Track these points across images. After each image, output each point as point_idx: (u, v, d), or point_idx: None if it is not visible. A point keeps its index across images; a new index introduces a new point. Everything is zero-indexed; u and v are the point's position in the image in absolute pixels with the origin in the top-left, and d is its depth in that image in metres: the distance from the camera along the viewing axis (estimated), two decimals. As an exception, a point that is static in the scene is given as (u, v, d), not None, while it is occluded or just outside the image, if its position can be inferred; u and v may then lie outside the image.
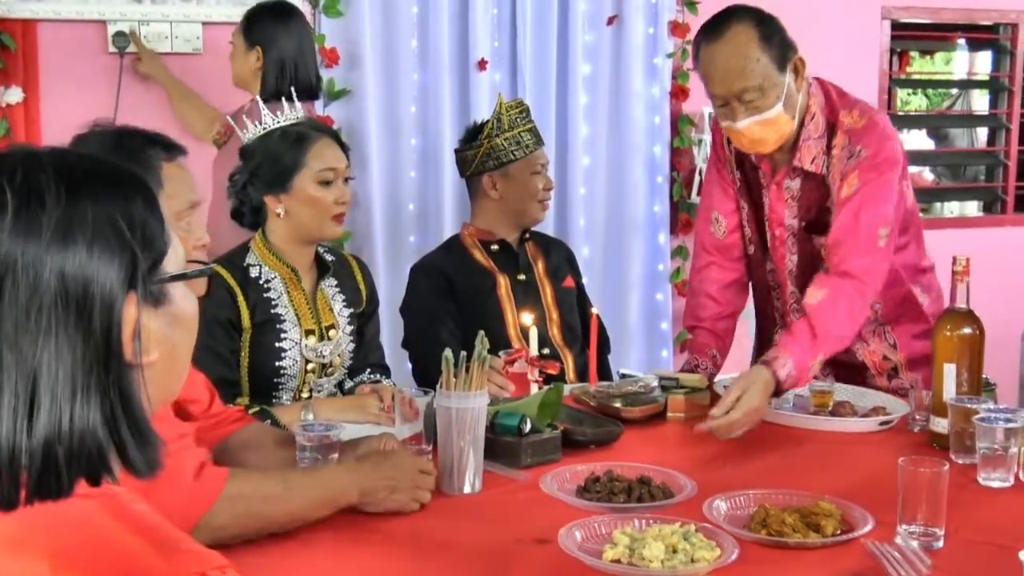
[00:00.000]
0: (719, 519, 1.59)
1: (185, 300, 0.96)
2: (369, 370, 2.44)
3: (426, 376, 2.61)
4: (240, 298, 2.22)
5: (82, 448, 0.85)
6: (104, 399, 0.85)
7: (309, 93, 3.22)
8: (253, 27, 3.17)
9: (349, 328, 2.36)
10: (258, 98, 2.63)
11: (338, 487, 1.61)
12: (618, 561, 1.45)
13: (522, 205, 2.71)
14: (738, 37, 2.16)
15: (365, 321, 2.44)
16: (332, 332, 2.31)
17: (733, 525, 1.57)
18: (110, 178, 0.91)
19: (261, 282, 2.26)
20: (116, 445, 0.86)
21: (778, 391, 2.06)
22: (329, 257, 2.39)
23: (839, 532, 1.56)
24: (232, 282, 2.22)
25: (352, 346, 2.37)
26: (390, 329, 3.56)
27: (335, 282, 2.37)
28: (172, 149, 1.69)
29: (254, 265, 2.27)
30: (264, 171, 2.27)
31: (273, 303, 2.25)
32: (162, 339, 0.92)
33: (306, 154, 2.26)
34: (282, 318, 2.25)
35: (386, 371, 2.49)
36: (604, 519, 1.56)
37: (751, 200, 2.40)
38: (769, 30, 2.18)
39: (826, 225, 2.25)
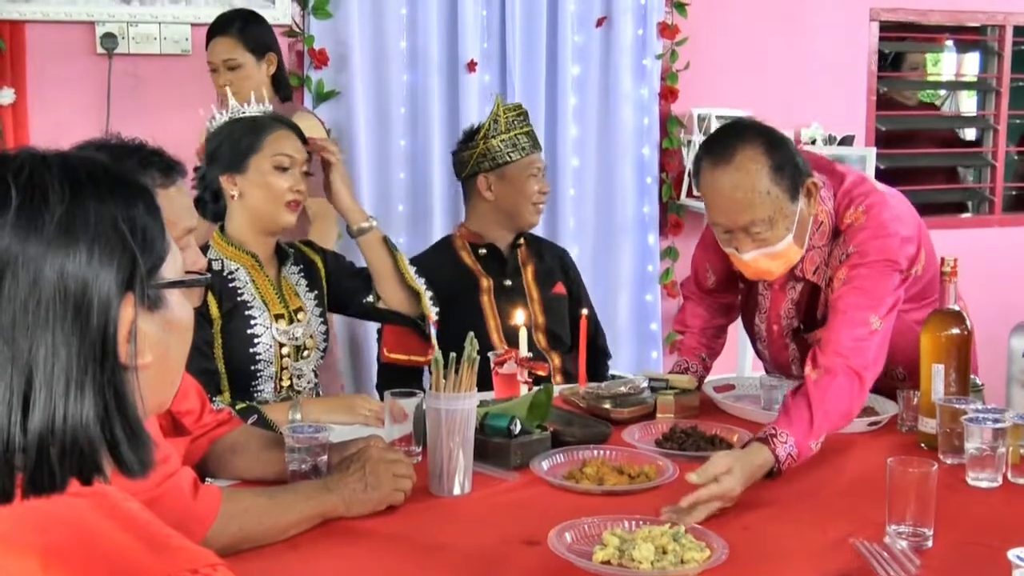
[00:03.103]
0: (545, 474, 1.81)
1: (181, 308, 0.97)
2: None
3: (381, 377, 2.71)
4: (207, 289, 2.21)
5: (75, 445, 0.85)
6: (98, 397, 0.86)
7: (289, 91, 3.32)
8: (254, 37, 3.13)
9: (318, 310, 2.38)
10: (229, 92, 2.61)
11: (326, 501, 1.62)
12: (608, 562, 1.45)
13: (516, 208, 2.72)
14: (747, 165, 1.95)
15: (340, 276, 2.44)
16: (301, 314, 2.31)
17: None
18: (114, 181, 0.92)
19: (224, 273, 2.26)
20: (109, 443, 0.87)
21: (777, 470, 1.81)
22: (288, 247, 2.40)
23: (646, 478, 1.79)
24: None
25: (323, 327, 2.38)
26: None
27: (296, 268, 2.38)
28: (170, 171, 1.62)
29: (215, 259, 2.27)
30: (222, 152, 2.29)
31: (239, 291, 2.25)
32: (156, 343, 0.93)
33: (264, 138, 2.28)
34: (250, 304, 2.25)
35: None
36: (594, 520, 1.56)
37: (748, 288, 2.30)
38: (781, 158, 1.98)
39: (818, 323, 2.14)
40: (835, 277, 2.05)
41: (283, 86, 3.21)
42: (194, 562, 0.86)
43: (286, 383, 2.28)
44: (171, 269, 0.95)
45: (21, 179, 0.87)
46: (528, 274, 2.76)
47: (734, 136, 2.01)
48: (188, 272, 1.00)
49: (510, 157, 2.69)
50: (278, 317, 2.27)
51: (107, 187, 0.91)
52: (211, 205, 2.34)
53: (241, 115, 2.33)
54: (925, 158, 4.90)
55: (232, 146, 2.28)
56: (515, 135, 2.70)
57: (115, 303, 0.88)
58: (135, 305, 0.89)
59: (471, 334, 1.81)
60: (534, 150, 2.74)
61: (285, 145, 2.29)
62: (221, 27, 3.13)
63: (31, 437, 0.84)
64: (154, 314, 0.92)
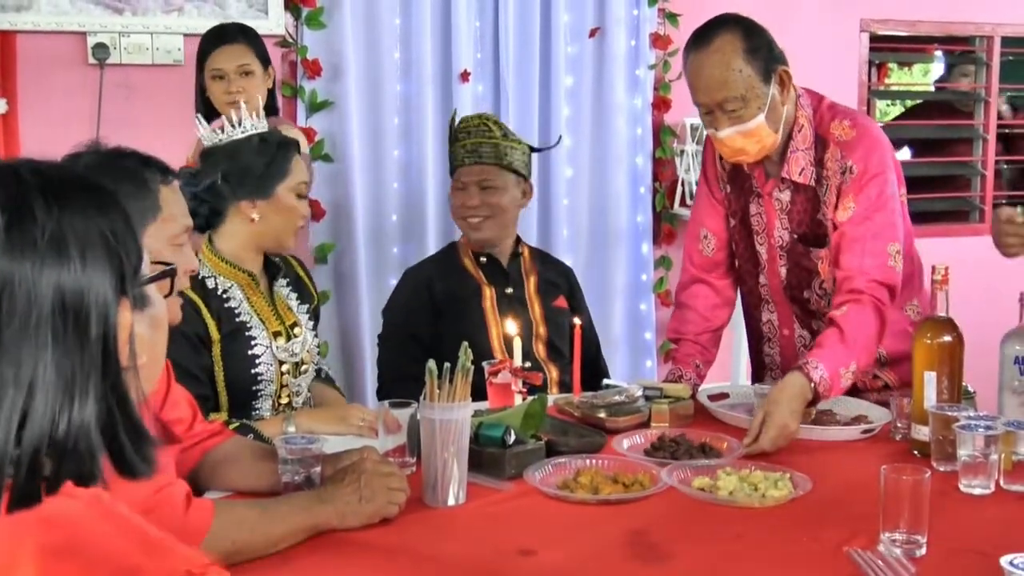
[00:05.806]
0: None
1: (159, 302, 1.02)
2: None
3: (380, 381, 2.69)
4: (204, 311, 2.17)
5: (75, 451, 0.86)
6: (101, 403, 0.88)
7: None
8: (260, 47, 3.09)
9: (310, 324, 2.38)
10: (242, 100, 2.59)
11: (319, 512, 1.61)
12: (702, 489, 1.76)
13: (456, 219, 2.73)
14: (724, 47, 2.16)
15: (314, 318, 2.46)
16: (296, 330, 2.30)
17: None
18: (91, 191, 0.93)
19: (219, 292, 2.22)
20: (113, 448, 0.88)
21: (816, 398, 2.07)
22: (275, 258, 2.38)
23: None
24: (194, 295, 2.14)
25: (316, 341, 2.38)
26: (373, 337, 3.54)
27: (285, 281, 2.37)
28: (166, 172, 1.67)
29: (208, 276, 2.22)
30: (243, 175, 2.23)
31: (236, 311, 2.22)
32: (147, 341, 0.97)
33: (289, 163, 2.27)
34: (248, 325, 2.22)
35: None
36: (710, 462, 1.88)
37: (741, 214, 2.39)
38: (756, 42, 2.19)
39: (820, 238, 2.26)
40: (840, 203, 2.20)
41: (272, 101, 3.16)
42: (188, 563, 0.87)
43: (284, 400, 2.27)
44: (146, 267, 0.98)
45: (3, 199, 0.87)
46: (531, 284, 2.75)
47: (715, 25, 2.22)
48: (155, 263, 1.03)
49: (451, 169, 2.72)
50: (276, 335, 2.25)
51: (86, 197, 0.92)
52: (203, 220, 2.24)
53: (245, 132, 2.27)
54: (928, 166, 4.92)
55: (259, 170, 2.24)
56: (456, 147, 2.70)
57: (112, 309, 0.89)
58: (131, 308, 0.91)
59: (465, 344, 1.81)
60: (467, 162, 2.66)
61: (303, 172, 2.30)
62: (231, 35, 3.06)
63: (26, 448, 0.84)
64: (143, 313, 0.96)
